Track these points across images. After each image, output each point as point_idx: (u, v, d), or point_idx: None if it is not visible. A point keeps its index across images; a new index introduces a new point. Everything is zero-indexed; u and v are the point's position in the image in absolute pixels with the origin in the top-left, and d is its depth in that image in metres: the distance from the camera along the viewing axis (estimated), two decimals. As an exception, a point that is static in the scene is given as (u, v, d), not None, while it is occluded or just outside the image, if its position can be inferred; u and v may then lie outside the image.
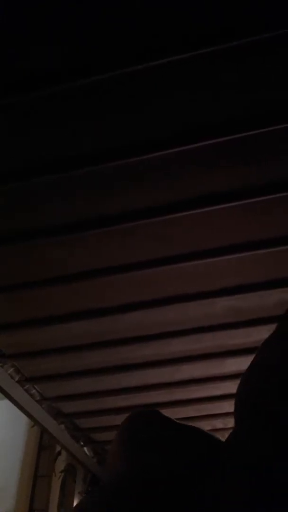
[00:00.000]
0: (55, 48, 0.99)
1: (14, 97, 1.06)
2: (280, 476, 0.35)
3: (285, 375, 0.39)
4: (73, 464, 2.90)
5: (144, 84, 1.05)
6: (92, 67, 1.02)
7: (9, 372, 2.05)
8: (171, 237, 1.42)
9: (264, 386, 0.41)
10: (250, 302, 1.68)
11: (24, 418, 2.40)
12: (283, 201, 1.29)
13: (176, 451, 0.49)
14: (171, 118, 1.12)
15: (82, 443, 2.78)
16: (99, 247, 1.46)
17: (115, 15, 0.95)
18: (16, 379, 2.10)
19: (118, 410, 2.36)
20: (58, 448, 2.72)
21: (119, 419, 0.60)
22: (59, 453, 2.75)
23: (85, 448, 2.83)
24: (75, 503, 2.74)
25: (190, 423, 0.59)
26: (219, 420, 2.41)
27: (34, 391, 2.25)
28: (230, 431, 0.48)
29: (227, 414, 2.35)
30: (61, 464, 2.82)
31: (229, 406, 2.29)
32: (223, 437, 0.54)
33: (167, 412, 0.62)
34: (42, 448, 2.81)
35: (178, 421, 0.55)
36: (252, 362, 0.46)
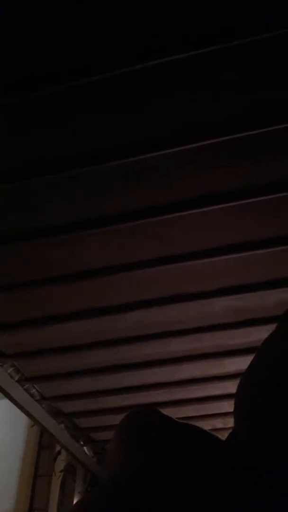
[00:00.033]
0: (55, 48, 0.99)
1: (14, 97, 1.06)
2: (280, 476, 0.35)
3: (284, 375, 0.39)
4: (73, 464, 2.90)
5: (144, 84, 1.05)
6: (92, 67, 1.02)
7: (9, 371, 2.05)
8: (171, 237, 1.42)
9: (263, 386, 0.41)
10: (249, 302, 1.68)
11: (24, 418, 2.40)
12: (283, 201, 1.29)
13: (176, 450, 0.49)
14: (171, 118, 1.12)
15: (82, 443, 2.78)
16: (99, 247, 1.46)
17: (115, 15, 0.95)
18: (16, 378, 2.10)
19: (118, 410, 2.37)
20: (58, 447, 2.72)
21: (119, 419, 0.60)
22: (59, 452, 2.75)
23: (85, 448, 2.83)
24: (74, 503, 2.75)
25: (190, 423, 0.59)
26: (219, 419, 2.41)
27: (34, 390, 2.25)
28: (230, 430, 0.48)
29: (226, 414, 2.35)
30: (61, 463, 2.83)
31: (228, 406, 2.29)
32: (223, 436, 0.54)
33: (166, 412, 0.62)
34: (42, 448, 2.81)
35: (177, 420, 0.55)
36: (251, 362, 0.46)
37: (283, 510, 0.34)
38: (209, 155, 1.18)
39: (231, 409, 0.49)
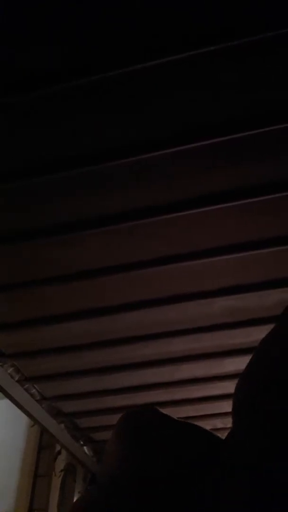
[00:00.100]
0: (55, 48, 0.99)
1: (14, 97, 1.06)
2: (280, 476, 0.35)
3: (283, 374, 0.39)
4: (73, 464, 2.90)
5: (144, 84, 1.05)
6: (92, 67, 1.02)
7: (9, 371, 2.05)
8: (170, 237, 1.42)
9: (262, 385, 0.41)
10: (249, 302, 1.68)
11: (24, 418, 2.40)
12: (283, 201, 1.29)
13: (176, 449, 0.49)
14: (171, 118, 1.12)
15: (82, 443, 2.78)
16: (99, 247, 1.46)
17: (115, 15, 0.95)
18: (16, 378, 2.10)
19: (118, 410, 2.37)
20: (58, 447, 2.72)
21: (119, 419, 0.60)
22: (59, 452, 2.75)
23: (85, 448, 2.83)
24: (74, 503, 2.74)
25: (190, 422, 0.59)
26: (219, 419, 2.41)
27: (34, 390, 2.25)
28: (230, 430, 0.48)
29: (226, 414, 2.35)
30: (61, 463, 2.82)
31: (228, 406, 2.28)
32: (223, 436, 0.54)
33: (166, 412, 0.62)
34: (42, 448, 2.80)
35: (177, 419, 0.55)
36: (250, 362, 0.46)
37: (283, 510, 0.34)
38: (209, 155, 1.18)
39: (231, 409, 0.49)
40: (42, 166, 1.21)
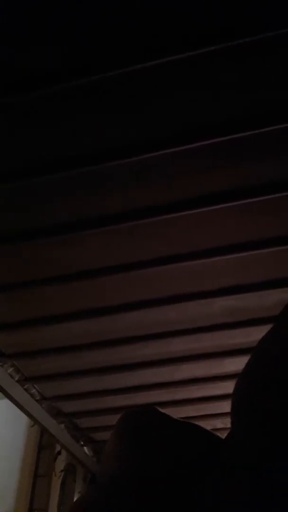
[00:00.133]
0: (55, 48, 0.99)
1: (14, 97, 1.06)
2: (280, 476, 0.35)
3: (283, 373, 0.39)
4: (73, 464, 2.90)
5: (144, 84, 1.05)
6: (92, 67, 1.02)
7: (9, 371, 2.05)
8: (170, 237, 1.42)
9: (261, 384, 0.41)
10: (249, 302, 1.68)
11: (24, 418, 2.40)
12: (283, 201, 1.29)
13: (176, 449, 0.49)
14: (171, 118, 1.12)
15: (82, 443, 2.78)
16: (99, 247, 1.46)
17: (115, 15, 0.95)
18: (16, 378, 2.10)
19: (118, 410, 2.36)
20: (58, 447, 2.72)
21: (119, 419, 0.60)
22: (59, 452, 2.75)
23: (85, 448, 2.83)
24: (74, 503, 2.73)
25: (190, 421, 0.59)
26: (219, 419, 2.41)
27: (34, 390, 2.25)
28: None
29: (227, 414, 2.35)
30: (61, 463, 2.82)
31: (228, 406, 2.28)
32: (223, 436, 0.54)
33: (167, 412, 0.62)
34: (42, 448, 2.81)
35: (177, 419, 0.54)
36: (248, 361, 0.46)
37: (283, 510, 0.34)
38: (209, 155, 1.18)
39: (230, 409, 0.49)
40: (42, 166, 1.21)
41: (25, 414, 2.27)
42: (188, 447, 0.49)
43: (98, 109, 1.09)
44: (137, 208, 1.33)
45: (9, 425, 2.59)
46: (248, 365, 0.45)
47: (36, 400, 2.28)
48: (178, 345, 1.93)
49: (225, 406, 2.29)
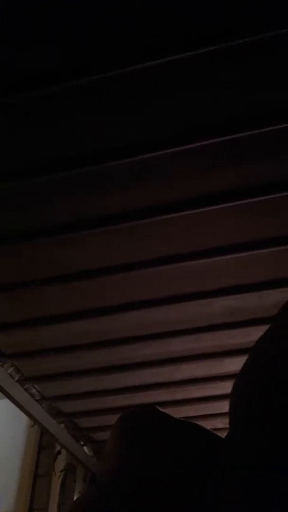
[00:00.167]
0: (55, 48, 0.99)
1: (14, 97, 1.06)
2: (280, 476, 0.35)
3: (281, 373, 0.39)
4: (73, 464, 2.90)
5: (144, 84, 1.05)
6: (92, 67, 1.02)
7: (9, 371, 2.05)
8: (170, 237, 1.42)
9: (259, 383, 0.41)
10: (249, 302, 1.68)
11: (24, 418, 2.40)
12: (283, 201, 1.29)
13: (176, 449, 0.49)
14: (171, 118, 1.12)
15: (82, 443, 2.78)
16: (99, 247, 1.46)
17: (115, 15, 0.95)
18: (16, 378, 2.10)
19: (118, 410, 2.36)
20: (58, 447, 2.72)
21: (119, 419, 0.60)
22: (59, 452, 2.75)
23: (85, 448, 2.84)
24: (74, 503, 2.73)
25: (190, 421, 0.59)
26: (219, 419, 2.41)
27: (34, 390, 2.25)
28: (230, 430, 0.48)
29: (227, 414, 2.34)
30: (61, 463, 2.82)
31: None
32: (223, 436, 0.53)
33: (166, 412, 0.62)
34: (42, 448, 2.80)
35: (177, 418, 0.54)
36: (246, 361, 0.46)
37: (283, 510, 0.34)
38: (209, 155, 1.18)
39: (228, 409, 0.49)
40: (42, 166, 1.21)
41: (25, 414, 2.27)
42: (188, 447, 0.49)
43: (98, 109, 1.09)
44: (137, 208, 1.33)
45: (9, 425, 2.59)
46: (246, 365, 0.45)
47: (36, 400, 2.28)
48: (178, 345, 1.94)
49: (225, 406, 2.28)
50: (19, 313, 1.76)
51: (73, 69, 1.02)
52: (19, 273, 1.57)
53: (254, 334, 1.80)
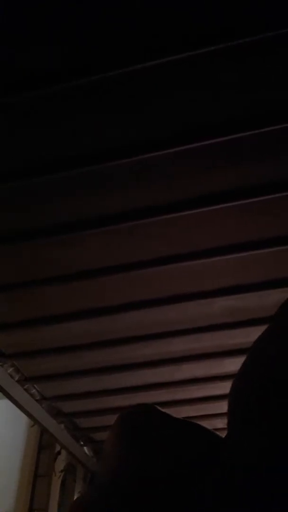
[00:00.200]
0: (55, 48, 0.99)
1: (14, 97, 1.06)
2: (280, 476, 0.35)
3: (280, 373, 0.39)
4: (73, 464, 2.90)
5: (144, 84, 1.05)
6: (92, 67, 1.02)
7: (9, 371, 2.05)
8: (170, 237, 1.42)
9: (257, 383, 0.41)
10: (249, 302, 1.68)
11: (24, 418, 2.40)
12: (283, 201, 1.29)
13: (176, 449, 0.49)
14: (171, 118, 1.12)
15: (82, 443, 2.78)
16: (99, 247, 1.46)
17: (115, 15, 0.95)
18: (16, 378, 2.10)
19: (118, 410, 2.35)
20: (58, 447, 2.72)
21: (119, 419, 0.60)
22: (59, 452, 2.75)
23: (85, 448, 2.83)
24: (74, 503, 2.73)
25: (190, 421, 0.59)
26: (219, 419, 2.41)
27: (34, 390, 2.25)
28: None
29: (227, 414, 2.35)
30: (61, 463, 2.82)
31: (228, 406, 2.29)
32: (223, 436, 0.53)
33: (166, 412, 0.62)
34: (42, 448, 2.80)
35: (177, 418, 0.54)
36: (244, 361, 0.46)
37: (283, 510, 0.34)
38: (209, 155, 1.18)
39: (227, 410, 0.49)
40: (42, 166, 1.21)
41: (25, 414, 2.27)
42: (188, 447, 0.49)
43: (98, 109, 1.09)
44: (137, 208, 1.33)
45: (9, 425, 2.59)
46: (244, 365, 0.45)
47: (36, 400, 2.28)
48: (178, 345, 1.93)
49: (225, 406, 2.28)
50: (19, 313, 1.76)
51: (73, 69, 1.02)
52: (19, 273, 1.57)
53: (254, 334, 1.79)
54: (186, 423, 0.53)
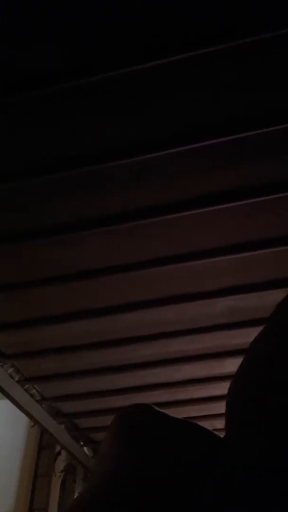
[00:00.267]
0: (55, 48, 0.99)
1: (14, 97, 1.06)
2: (280, 476, 0.35)
3: (277, 372, 0.38)
4: (73, 464, 2.90)
5: (144, 84, 1.05)
6: (92, 67, 1.02)
7: (9, 372, 2.05)
8: (170, 237, 1.42)
9: (255, 383, 0.41)
10: (250, 302, 1.68)
11: (24, 418, 2.40)
12: (283, 201, 1.29)
13: (175, 449, 0.48)
14: (171, 118, 1.12)
15: (82, 443, 2.78)
16: (99, 247, 1.46)
17: (115, 15, 0.95)
18: (16, 379, 2.10)
19: (118, 410, 2.36)
20: (58, 448, 2.72)
21: (119, 419, 0.60)
22: (59, 453, 2.75)
23: (85, 448, 2.83)
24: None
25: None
26: (220, 420, 2.41)
27: (34, 391, 2.25)
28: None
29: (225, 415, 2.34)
30: (61, 463, 2.82)
31: (229, 406, 2.28)
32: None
33: (167, 412, 0.62)
34: (42, 448, 2.81)
35: (176, 418, 0.54)
36: (242, 362, 0.46)
37: (283, 510, 0.34)
38: (209, 155, 1.18)
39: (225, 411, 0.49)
40: (42, 166, 1.21)
41: (25, 414, 2.27)
42: (188, 446, 0.49)
43: (98, 109, 1.09)
44: (137, 208, 1.33)
45: (9, 425, 2.59)
46: (241, 366, 0.45)
47: (36, 401, 2.28)
48: (178, 346, 1.93)
49: (225, 407, 2.29)
50: (19, 313, 1.76)
51: (73, 69, 1.02)
52: (19, 273, 1.57)
53: (254, 334, 1.79)
54: (185, 423, 0.53)
